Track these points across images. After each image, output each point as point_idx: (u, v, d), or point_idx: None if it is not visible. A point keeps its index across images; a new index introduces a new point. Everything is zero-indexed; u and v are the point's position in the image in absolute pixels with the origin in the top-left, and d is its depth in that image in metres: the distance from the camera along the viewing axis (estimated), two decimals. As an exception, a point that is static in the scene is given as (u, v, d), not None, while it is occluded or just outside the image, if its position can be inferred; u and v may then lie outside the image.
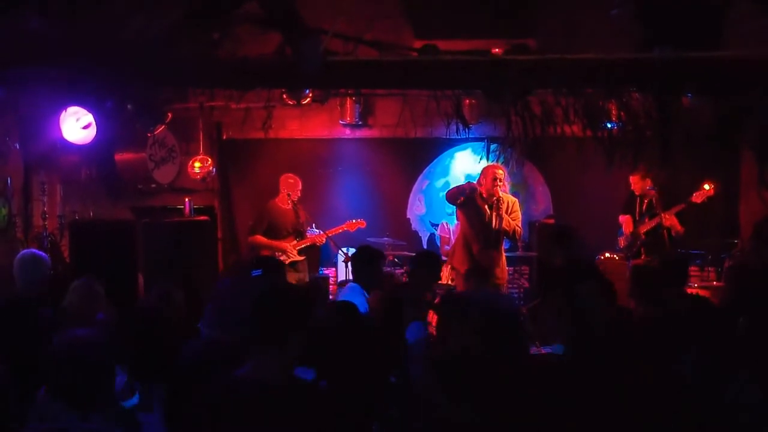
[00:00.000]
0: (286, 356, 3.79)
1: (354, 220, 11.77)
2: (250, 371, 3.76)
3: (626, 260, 11.03)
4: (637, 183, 10.84)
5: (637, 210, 10.82)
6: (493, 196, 10.22)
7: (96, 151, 9.35)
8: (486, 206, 10.26)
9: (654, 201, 10.61)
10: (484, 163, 11.17)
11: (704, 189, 10.60)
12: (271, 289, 4.09)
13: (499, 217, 10.19)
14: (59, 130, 8.22)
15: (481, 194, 10.31)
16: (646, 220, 10.67)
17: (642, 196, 10.79)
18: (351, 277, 7.91)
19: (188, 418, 3.78)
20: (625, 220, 10.93)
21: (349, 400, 4.15)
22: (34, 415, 3.84)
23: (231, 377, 3.77)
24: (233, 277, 6.18)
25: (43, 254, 7.40)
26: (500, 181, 10.25)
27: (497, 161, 10.16)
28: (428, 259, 8.07)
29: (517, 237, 10.69)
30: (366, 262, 7.44)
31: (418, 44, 7.26)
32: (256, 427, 3.60)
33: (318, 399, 3.88)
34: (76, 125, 8.30)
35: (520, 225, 10.53)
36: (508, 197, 10.54)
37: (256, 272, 6.86)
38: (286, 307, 3.87)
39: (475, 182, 10.66)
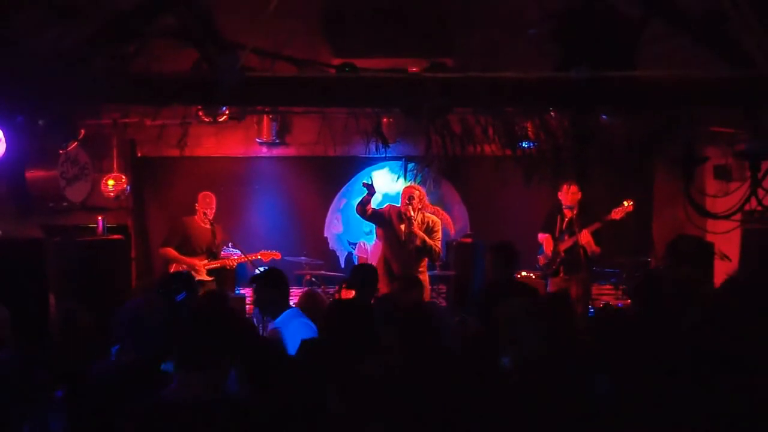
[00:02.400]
0: (215, 376, 3.70)
1: (269, 251, 11.63)
2: (177, 391, 3.67)
3: (543, 279, 11.08)
4: (575, 192, 10.75)
5: (558, 227, 10.83)
6: (405, 214, 10.19)
7: (5, 168, 9.11)
8: (402, 225, 10.24)
9: (573, 219, 10.64)
10: (401, 182, 11.18)
11: (623, 205, 10.66)
12: (200, 311, 4.02)
13: (412, 235, 10.16)
14: (-33, 146, 8.00)
15: (399, 213, 10.28)
16: (566, 237, 10.69)
17: (564, 214, 10.78)
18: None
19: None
20: (545, 239, 10.93)
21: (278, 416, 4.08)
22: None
23: (157, 397, 3.68)
24: (144, 296, 6.02)
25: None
26: (415, 199, 10.24)
27: (414, 180, 10.17)
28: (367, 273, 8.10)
29: (435, 257, 10.67)
30: (272, 285, 7.23)
31: (336, 62, 7.21)
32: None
33: (246, 416, 3.79)
34: (-15, 141, 8.08)
35: (439, 245, 10.52)
36: (431, 217, 10.53)
37: (181, 296, 6.73)
38: (213, 329, 3.79)
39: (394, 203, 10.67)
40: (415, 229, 10.16)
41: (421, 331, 5.29)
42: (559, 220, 10.90)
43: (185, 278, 7.83)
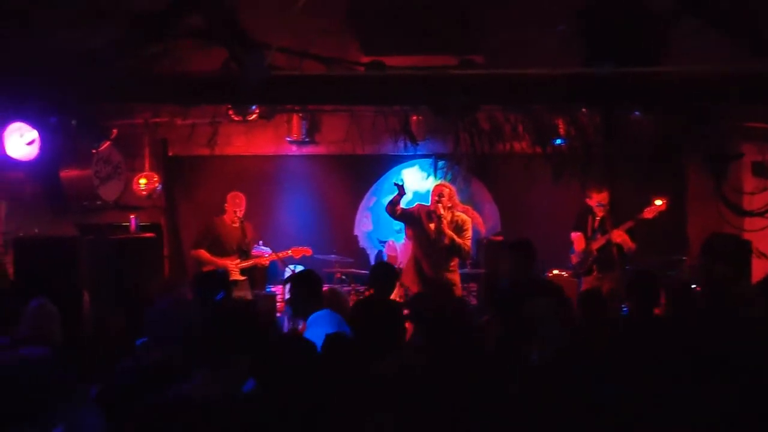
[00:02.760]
0: (231, 374, 3.73)
1: (300, 247, 11.63)
2: (193, 389, 3.70)
3: (576, 278, 11.02)
4: (604, 198, 10.67)
5: (589, 226, 10.75)
6: (435, 212, 10.15)
7: (41, 168, 9.23)
8: (431, 224, 10.21)
9: (605, 217, 10.57)
10: (431, 180, 11.16)
11: (655, 204, 10.56)
12: (218, 310, 4.04)
13: (441, 233, 10.12)
14: (3, 146, 8.10)
15: (428, 212, 10.26)
16: (599, 236, 10.62)
17: (595, 213, 10.71)
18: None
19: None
20: (576, 237, 10.84)
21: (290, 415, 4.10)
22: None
23: (172, 395, 3.70)
24: (172, 296, 6.06)
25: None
26: (444, 198, 10.19)
27: (444, 178, 10.15)
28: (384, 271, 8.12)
29: (464, 255, 10.62)
30: (303, 285, 7.24)
31: (365, 60, 7.22)
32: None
33: (260, 415, 3.81)
34: (20, 141, 8.18)
35: (469, 243, 10.47)
36: (460, 215, 10.46)
37: (220, 296, 6.78)
38: (233, 327, 3.81)
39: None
40: (445, 227, 10.12)
41: (450, 330, 5.32)
42: (590, 218, 10.82)
43: (221, 277, 7.88)
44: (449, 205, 10.26)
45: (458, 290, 10.44)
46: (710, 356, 4.87)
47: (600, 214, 10.65)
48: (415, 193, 12.60)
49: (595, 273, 10.67)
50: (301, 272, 7.64)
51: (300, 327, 7.01)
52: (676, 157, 10.43)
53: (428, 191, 10.85)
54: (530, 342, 5.16)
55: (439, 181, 10.75)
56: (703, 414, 4.30)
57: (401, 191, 10.10)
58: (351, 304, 8.26)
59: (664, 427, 4.31)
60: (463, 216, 10.53)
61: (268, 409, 3.81)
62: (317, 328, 6.40)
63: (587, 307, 7.34)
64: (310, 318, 6.73)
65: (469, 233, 10.40)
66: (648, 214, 10.53)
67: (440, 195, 10.16)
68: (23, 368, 3.77)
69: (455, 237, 10.12)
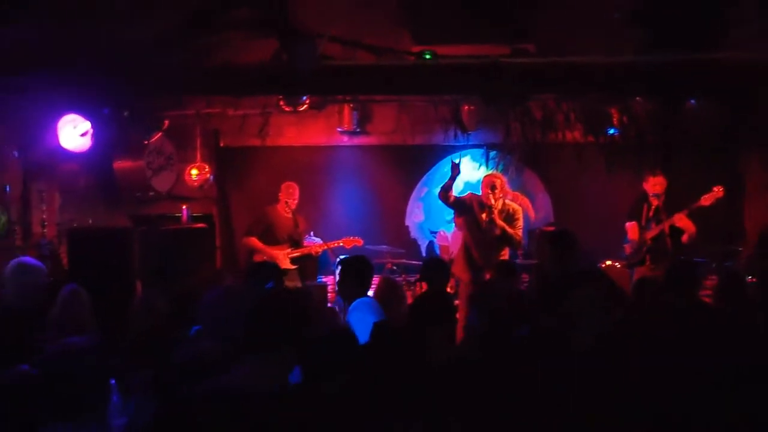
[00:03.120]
0: (278, 365, 3.71)
1: (351, 237, 11.61)
2: (240, 378, 3.69)
3: (629, 268, 10.90)
4: (660, 182, 10.50)
5: (644, 215, 10.59)
6: (486, 203, 10.09)
7: (94, 159, 9.29)
8: (483, 214, 10.15)
9: (660, 207, 10.43)
10: (483, 170, 11.10)
11: (714, 191, 10.37)
12: (266, 298, 4.02)
13: (493, 223, 10.05)
14: (57, 137, 8.16)
15: (479, 202, 10.19)
16: (653, 225, 10.47)
17: (650, 201, 10.56)
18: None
19: (176, 425, 3.69)
20: (631, 227, 10.67)
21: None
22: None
23: (217, 384, 3.69)
24: (223, 285, 6.06)
25: (37, 262, 7.31)
26: (497, 189, 10.12)
27: (496, 168, 10.08)
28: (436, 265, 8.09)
29: (515, 245, 10.55)
30: (348, 272, 7.23)
31: (416, 50, 7.20)
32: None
33: (307, 406, 3.79)
34: (74, 133, 8.23)
35: (520, 233, 10.40)
36: (511, 204, 10.39)
37: (269, 285, 6.78)
38: (280, 317, 3.79)
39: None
40: (496, 218, 10.05)
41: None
42: (645, 208, 10.66)
43: (272, 267, 7.90)
44: (500, 195, 10.19)
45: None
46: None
47: (655, 203, 10.49)
48: (467, 183, 12.52)
49: (648, 263, 10.54)
50: (353, 257, 7.63)
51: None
52: (733, 146, 10.28)
53: (479, 181, 10.77)
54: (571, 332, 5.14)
55: (490, 172, 10.68)
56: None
57: (455, 171, 10.01)
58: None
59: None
60: (514, 205, 10.45)
61: (312, 401, 3.80)
62: (359, 314, 6.42)
63: (640, 295, 7.26)
64: (353, 304, 6.74)
65: (520, 223, 10.33)
66: (706, 201, 10.33)
67: (492, 186, 10.09)
68: (74, 358, 3.79)
69: (507, 227, 10.05)
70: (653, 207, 10.44)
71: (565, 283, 6.87)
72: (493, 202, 9.95)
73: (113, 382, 4.08)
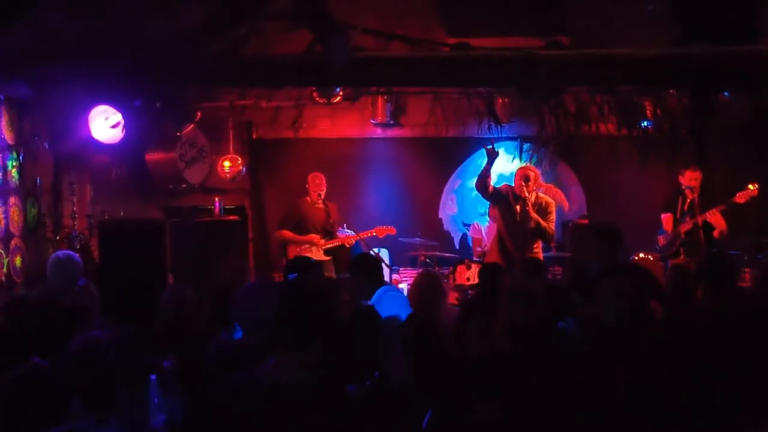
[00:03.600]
0: (308, 358, 3.68)
1: (384, 226, 11.62)
2: (269, 372, 3.66)
3: (662, 261, 10.82)
4: (696, 177, 10.44)
5: (679, 208, 10.53)
6: (521, 195, 10.06)
7: (126, 151, 9.29)
8: (517, 206, 10.12)
9: (695, 200, 10.35)
10: (517, 163, 11.05)
11: (748, 189, 10.29)
12: (295, 291, 3.99)
13: (526, 215, 10.01)
14: (88, 129, 8.16)
15: (514, 193, 10.16)
16: (687, 218, 10.40)
17: (685, 194, 10.49)
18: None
19: (205, 419, 3.68)
20: (666, 218, 10.62)
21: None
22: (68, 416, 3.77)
23: (248, 377, 3.67)
24: (257, 280, 6.07)
25: (76, 255, 7.36)
26: (531, 181, 10.08)
27: (530, 161, 10.04)
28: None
29: (549, 238, 10.50)
30: (357, 272, 7.26)
31: (450, 42, 7.15)
32: (272, 428, 3.50)
33: (338, 403, 3.76)
34: (105, 124, 8.22)
35: (553, 226, 10.35)
36: (544, 197, 10.36)
37: (292, 276, 6.79)
38: (309, 310, 3.76)
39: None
40: (530, 210, 10.01)
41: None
42: (680, 200, 10.60)
43: (301, 261, 7.91)
44: (534, 188, 10.16)
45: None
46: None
47: (690, 196, 10.42)
48: (500, 176, 12.50)
49: (682, 256, 10.46)
50: (359, 255, 7.73)
51: None
52: (765, 139, 10.20)
53: (513, 174, 10.74)
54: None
55: (524, 164, 10.63)
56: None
57: (493, 155, 9.96)
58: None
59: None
60: (547, 198, 10.42)
61: (334, 397, 3.78)
62: (381, 305, 6.44)
63: (676, 284, 7.20)
64: (374, 297, 6.75)
65: (553, 216, 10.30)
66: (740, 198, 10.27)
67: (526, 178, 10.05)
68: (96, 350, 3.78)
69: (540, 220, 10.01)
70: (688, 200, 10.37)
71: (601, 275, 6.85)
72: (526, 194, 9.92)
73: (153, 378, 4.06)
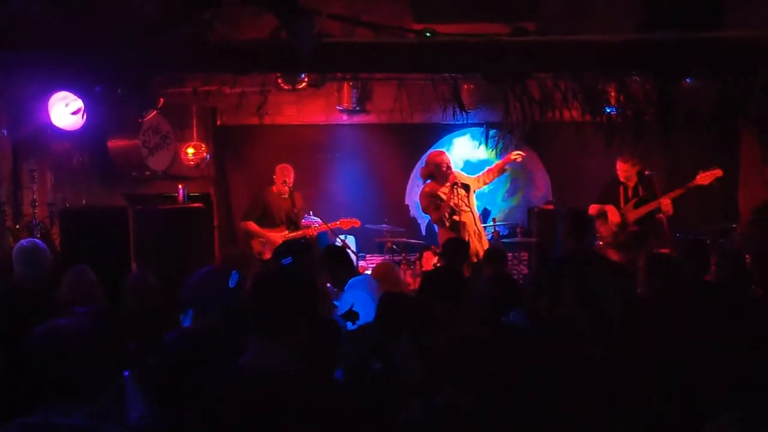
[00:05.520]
0: (294, 343, 3.65)
1: (349, 219, 11.61)
2: (257, 359, 3.63)
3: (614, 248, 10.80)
4: (626, 170, 10.51)
5: (622, 198, 10.53)
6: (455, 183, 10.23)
7: (87, 138, 9.18)
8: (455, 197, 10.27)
9: (654, 185, 10.35)
10: (483, 149, 11.10)
11: (711, 170, 10.29)
12: (278, 277, 3.96)
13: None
14: (48, 115, 8.05)
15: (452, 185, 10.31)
16: (635, 207, 10.40)
17: (626, 184, 10.53)
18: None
19: (189, 410, 3.63)
20: (610, 209, 10.54)
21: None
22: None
23: (235, 366, 3.64)
24: (211, 267, 6.03)
25: (41, 242, 7.27)
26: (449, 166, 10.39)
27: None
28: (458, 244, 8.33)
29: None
30: (336, 262, 7.31)
31: (417, 28, 7.13)
32: (265, 415, 3.46)
33: (326, 386, 3.75)
34: (66, 111, 8.12)
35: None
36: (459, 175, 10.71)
37: (286, 260, 6.77)
38: (294, 294, 3.73)
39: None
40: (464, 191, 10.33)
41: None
42: (622, 189, 10.60)
43: (294, 245, 7.92)
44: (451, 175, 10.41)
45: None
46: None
47: (631, 183, 10.47)
48: (466, 162, 12.53)
49: (631, 245, 10.42)
50: (328, 247, 7.77)
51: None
52: (730, 125, 10.27)
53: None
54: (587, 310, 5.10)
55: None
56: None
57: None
58: (401, 273, 8.27)
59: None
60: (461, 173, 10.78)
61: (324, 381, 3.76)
62: (355, 291, 6.45)
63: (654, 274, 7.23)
64: (350, 282, 6.76)
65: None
66: (703, 180, 10.26)
67: (447, 164, 10.30)
68: (57, 339, 3.73)
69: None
70: (631, 188, 10.41)
71: (576, 262, 6.85)
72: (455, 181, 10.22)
73: (126, 374, 4.01)
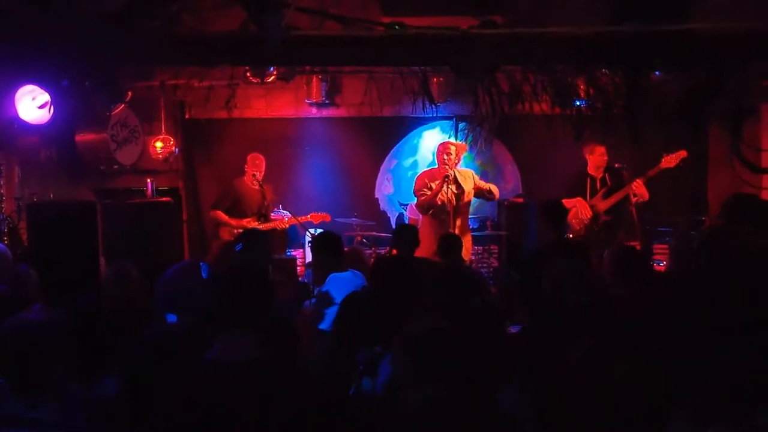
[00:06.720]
0: (259, 335, 3.66)
1: (319, 213, 11.61)
2: (222, 353, 3.62)
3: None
4: (595, 161, 10.55)
5: (589, 190, 10.55)
6: (447, 175, 10.18)
7: (55, 131, 9.09)
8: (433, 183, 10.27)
9: (622, 177, 10.38)
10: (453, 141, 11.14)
11: (676, 152, 10.29)
12: (241, 271, 3.97)
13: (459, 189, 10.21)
14: (14, 109, 7.99)
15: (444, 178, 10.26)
16: (600, 198, 10.42)
17: (594, 176, 10.56)
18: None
19: (158, 406, 3.61)
20: (579, 203, 10.55)
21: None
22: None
23: (202, 361, 3.63)
24: (181, 262, 5.99)
25: (3, 246, 7.19)
26: (451, 155, 10.27)
27: (465, 140, 10.07)
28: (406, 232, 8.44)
29: (495, 195, 10.70)
30: (316, 250, 7.31)
31: (385, 21, 7.11)
32: (233, 407, 3.45)
33: (293, 375, 3.74)
34: (32, 104, 8.07)
35: (490, 185, 10.57)
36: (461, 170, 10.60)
37: (238, 247, 6.77)
38: (256, 288, 3.74)
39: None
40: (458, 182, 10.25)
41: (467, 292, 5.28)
42: (589, 182, 10.63)
43: (250, 234, 7.93)
44: (456, 162, 10.33)
45: (467, 252, 10.45)
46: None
47: (599, 175, 10.51)
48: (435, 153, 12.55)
49: (602, 237, 10.44)
50: (322, 234, 7.72)
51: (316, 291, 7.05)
52: (697, 117, 10.31)
53: (433, 153, 10.88)
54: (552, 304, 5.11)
55: (443, 140, 10.81)
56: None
57: None
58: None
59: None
60: (466, 170, 10.66)
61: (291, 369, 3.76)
62: (335, 284, 6.46)
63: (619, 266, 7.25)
64: (329, 277, 6.76)
65: (477, 179, 10.54)
66: (669, 162, 10.26)
67: (447, 153, 10.21)
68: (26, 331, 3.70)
69: (482, 186, 10.26)
70: (599, 180, 10.44)
71: (547, 254, 6.87)
72: (452, 171, 10.12)
73: (78, 362, 3.98)
